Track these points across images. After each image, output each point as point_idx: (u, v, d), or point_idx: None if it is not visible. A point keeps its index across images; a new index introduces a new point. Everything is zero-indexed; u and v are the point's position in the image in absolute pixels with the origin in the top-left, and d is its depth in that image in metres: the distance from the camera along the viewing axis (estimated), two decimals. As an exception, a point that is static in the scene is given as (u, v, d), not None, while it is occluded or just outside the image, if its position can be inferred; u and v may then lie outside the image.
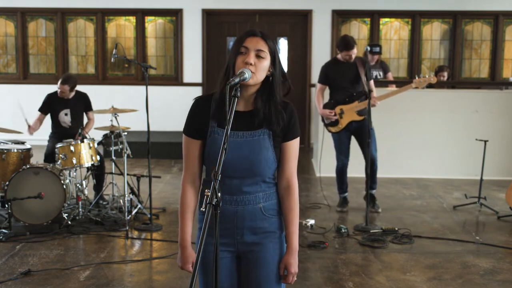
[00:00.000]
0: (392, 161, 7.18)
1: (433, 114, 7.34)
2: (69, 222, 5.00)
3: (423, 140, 7.33)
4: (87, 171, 5.54)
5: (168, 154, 8.52)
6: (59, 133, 5.75)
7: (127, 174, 5.38)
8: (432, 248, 4.64)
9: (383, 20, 9.67)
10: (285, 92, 2.09)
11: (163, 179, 6.88)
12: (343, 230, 4.92)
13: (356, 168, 6.18)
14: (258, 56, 1.99)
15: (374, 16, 9.59)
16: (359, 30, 9.61)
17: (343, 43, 5.45)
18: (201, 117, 2.06)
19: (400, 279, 3.96)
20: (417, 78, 5.52)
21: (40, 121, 5.83)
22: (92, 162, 5.34)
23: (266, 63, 2.01)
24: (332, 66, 5.60)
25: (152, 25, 9.76)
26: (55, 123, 5.82)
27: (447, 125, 7.35)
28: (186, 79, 9.72)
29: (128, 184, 5.30)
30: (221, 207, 2.01)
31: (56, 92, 5.79)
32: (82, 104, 5.88)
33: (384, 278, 3.98)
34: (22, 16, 9.70)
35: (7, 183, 4.86)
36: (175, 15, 9.66)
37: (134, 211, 5.30)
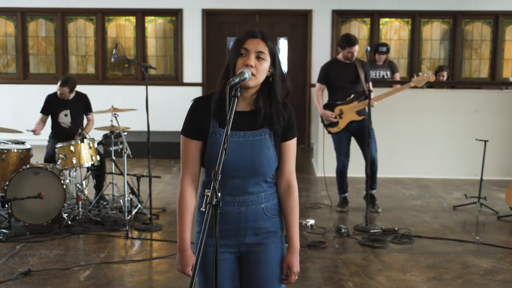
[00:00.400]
0: (392, 161, 7.18)
1: (433, 114, 7.34)
2: (69, 222, 5.00)
3: (423, 140, 7.33)
4: (87, 171, 5.54)
5: (168, 154, 8.52)
6: (58, 134, 5.75)
7: (127, 174, 5.38)
8: (432, 248, 4.64)
9: (383, 20, 9.67)
10: (285, 94, 2.10)
11: (163, 179, 6.88)
12: (343, 230, 4.92)
13: (356, 168, 6.18)
14: (259, 58, 1.99)
15: (374, 16, 9.59)
16: (359, 30, 9.61)
17: (346, 39, 5.46)
18: (200, 118, 2.05)
19: (400, 279, 3.96)
20: (415, 77, 5.53)
21: (43, 122, 5.84)
22: (92, 162, 5.34)
23: (266, 64, 2.01)
24: (332, 66, 5.61)
25: (152, 25, 9.76)
26: (55, 123, 5.82)
27: (447, 125, 7.35)
28: (186, 79, 9.72)
29: (128, 184, 5.30)
30: (223, 208, 2.03)
31: (56, 93, 5.80)
32: (82, 105, 5.88)
33: (384, 278, 3.98)
34: (22, 16, 9.70)
35: (7, 183, 4.86)
36: (175, 15, 9.66)
37: (134, 211, 5.30)
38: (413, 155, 7.34)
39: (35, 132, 5.69)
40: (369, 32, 9.64)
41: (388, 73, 7.54)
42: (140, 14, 9.65)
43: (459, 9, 9.55)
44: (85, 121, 5.96)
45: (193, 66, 9.67)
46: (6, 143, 5.43)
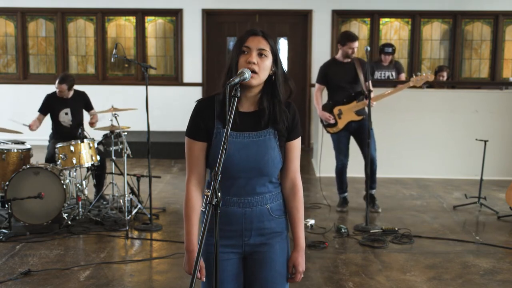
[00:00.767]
0: (392, 161, 7.18)
1: (433, 114, 7.34)
2: (69, 222, 5.00)
3: (423, 140, 7.33)
4: (87, 171, 5.55)
5: (168, 154, 8.52)
6: (59, 133, 5.75)
7: (127, 174, 5.38)
8: (432, 248, 4.64)
9: (383, 20, 9.66)
10: (288, 94, 2.10)
11: (163, 179, 6.88)
12: (343, 230, 4.92)
13: (356, 168, 6.18)
14: (260, 55, 2.00)
15: (374, 16, 9.59)
16: (359, 30, 9.61)
17: (346, 35, 5.48)
18: (204, 119, 2.05)
19: (400, 279, 3.96)
20: (414, 76, 5.52)
21: (39, 121, 5.83)
22: (92, 162, 5.34)
23: (268, 62, 2.01)
24: (331, 66, 5.60)
25: (152, 25, 9.76)
26: (56, 123, 5.82)
27: (447, 125, 7.35)
28: (186, 79, 9.72)
29: (128, 184, 5.30)
30: (228, 209, 2.04)
31: (55, 92, 5.80)
32: (82, 103, 5.89)
33: (384, 278, 3.98)
34: (22, 16, 9.70)
35: (7, 183, 4.86)
36: (175, 15, 9.66)
37: (134, 211, 5.30)
38: (413, 155, 7.34)
39: (31, 127, 5.68)
40: (369, 32, 9.64)
41: (394, 73, 7.54)
42: (140, 14, 9.65)
43: (459, 9, 9.55)
44: (87, 118, 5.95)
45: (193, 66, 9.67)
46: (6, 143, 5.43)
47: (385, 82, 7.26)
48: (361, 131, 5.49)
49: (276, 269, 2.10)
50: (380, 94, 5.63)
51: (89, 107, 5.94)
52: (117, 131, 5.43)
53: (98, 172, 5.63)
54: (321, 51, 9.44)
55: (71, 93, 5.81)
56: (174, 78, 9.79)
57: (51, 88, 6.07)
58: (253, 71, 1.97)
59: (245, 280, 2.14)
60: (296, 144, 2.11)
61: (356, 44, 5.43)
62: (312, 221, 5.12)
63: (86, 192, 5.45)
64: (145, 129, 5.20)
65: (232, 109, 1.84)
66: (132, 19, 9.72)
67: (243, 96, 2.03)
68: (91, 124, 5.84)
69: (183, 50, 9.66)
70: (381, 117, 6.78)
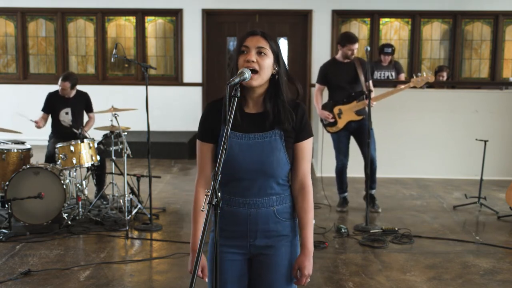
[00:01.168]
0: (392, 161, 7.18)
1: (433, 114, 7.34)
2: (69, 222, 5.00)
3: (423, 140, 7.33)
4: (87, 171, 5.54)
5: (168, 154, 8.52)
6: (59, 133, 5.75)
7: (127, 174, 5.38)
8: (432, 248, 4.64)
9: (383, 20, 9.67)
10: (295, 95, 2.09)
11: (163, 179, 6.88)
12: (343, 230, 4.92)
13: (356, 168, 6.18)
14: (260, 53, 1.99)
15: (374, 16, 9.59)
16: (359, 30, 9.61)
17: (346, 36, 5.48)
18: (212, 121, 2.06)
19: (400, 279, 3.96)
20: (414, 77, 5.52)
21: (44, 119, 5.84)
22: (92, 162, 5.34)
23: (268, 60, 2.01)
24: (331, 66, 5.60)
25: (152, 25, 9.76)
26: (56, 122, 5.83)
27: (447, 125, 7.35)
28: (186, 79, 9.72)
29: (128, 184, 5.30)
30: (234, 210, 2.04)
31: (57, 91, 5.80)
32: (83, 104, 5.89)
33: (384, 278, 3.98)
34: (22, 16, 9.70)
35: (7, 183, 4.86)
36: (175, 15, 9.66)
37: (134, 211, 5.30)
38: (413, 155, 7.34)
39: (37, 123, 5.68)
40: (369, 32, 9.64)
41: (393, 73, 7.54)
42: (140, 14, 9.65)
43: (459, 9, 9.55)
44: (86, 119, 5.96)
45: (193, 66, 9.67)
46: (6, 143, 5.43)
47: (385, 82, 7.26)
48: (361, 131, 5.49)
49: (281, 272, 2.08)
50: (380, 94, 5.63)
51: (89, 109, 5.94)
52: (117, 131, 5.43)
53: (98, 172, 5.63)
54: (321, 51, 9.44)
55: (74, 92, 5.81)
56: (174, 78, 9.79)
57: (51, 88, 6.08)
58: (254, 70, 1.96)
59: (250, 282, 2.13)
60: (305, 146, 2.07)
61: (355, 46, 5.43)
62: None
63: (86, 192, 5.45)
64: (145, 129, 5.20)
65: (232, 109, 1.85)
66: (132, 19, 9.72)
67: (248, 97, 2.05)
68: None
69: (183, 50, 9.66)
70: (381, 117, 6.78)
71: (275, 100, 2.04)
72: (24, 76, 9.83)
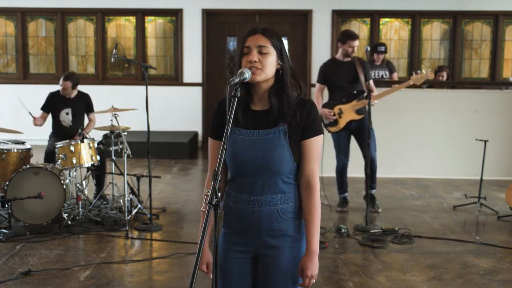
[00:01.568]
0: (392, 161, 7.18)
1: (433, 114, 7.34)
2: (69, 222, 5.00)
3: (423, 140, 7.32)
4: (87, 171, 5.54)
5: (168, 154, 8.52)
6: (59, 133, 5.76)
7: (127, 174, 5.38)
8: (432, 248, 4.64)
9: (383, 20, 9.66)
10: (298, 91, 2.07)
11: (163, 179, 6.88)
12: (343, 230, 4.92)
13: (356, 168, 6.18)
14: (261, 52, 1.99)
15: (374, 16, 9.59)
16: (359, 30, 9.60)
17: (347, 33, 5.49)
18: (220, 119, 2.08)
19: (400, 279, 3.96)
20: (414, 74, 5.52)
21: (43, 119, 5.84)
22: (92, 162, 5.34)
23: (271, 58, 2.00)
24: (331, 66, 5.60)
25: (152, 25, 9.76)
26: (56, 122, 5.83)
27: (447, 125, 7.35)
28: (186, 79, 9.72)
29: (128, 184, 5.30)
30: (238, 206, 2.04)
31: (58, 91, 5.80)
32: (84, 105, 5.89)
33: (384, 278, 3.98)
34: (22, 16, 9.70)
35: (7, 183, 4.86)
36: (175, 15, 9.66)
37: (134, 211, 5.30)
38: (413, 155, 7.34)
39: (35, 120, 5.67)
40: (369, 32, 9.64)
41: (387, 72, 7.55)
42: (140, 14, 9.65)
43: (459, 9, 9.55)
44: (86, 120, 5.96)
45: (193, 66, 9.67)
46: (6, 143, 5.43)
47: (380, 82, 7.24)
48: (361, 131, 5.49)
49: (285, 274, 2.06)
50: (381, 92, 5.63)
51: (89, 110, 5.94)
52: (117, 131, 5.43)
53: (98, 172, 5.63)
54: (321, 51, 9.44)
55: (75, 92, 5.81)
56: (174, 78, 9.79)
57: (51, 88, 6.08)
58: (256, 69, 1.97)
59: (256, 282, 2.11)
60: (312, 143, 2.03)
61: (356, 43, 5.43)
62: (312, 221, 5.11)
63: (86, 192, 5.45)
64: (145, 129, 5.20)
65: (232, 109, 1.85)
66: (132, 19, 9.72)
67: (254, 94, 2.05)
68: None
69: (183, 50, 9.66)
70: (381, 117, 6.77)
71: (280, 95, 2.03)
72: (24, 76, 9.83)
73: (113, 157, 5.46)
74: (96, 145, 5.45)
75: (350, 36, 5.43)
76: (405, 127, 7.33)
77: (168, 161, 8.35)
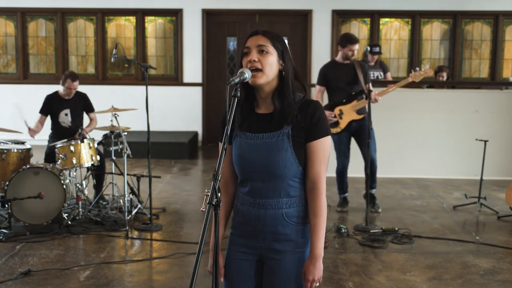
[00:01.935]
0: (392, 161, 7.18)
1: (433, 114, 7.34)
2: (69, 222, 5.00)
3: (423, 140, 7.32)
4: (87, 171, 5.54)
5: (168, 154, 8.52)
6: (59, 133, 5.75)
7: (127, 174, 5.38)
8: (432, 248, 4.64)
9: (383, 20, 9.67)
10: (303, 93, 2.05)
11: (163, 179, 6.88)
12: (343, 230, 4.93)
13: (356, 168, 6.18)
14: (261, 52, 1.98)
15: (374, 16, 9.59)
16: (359, 30, 9.61)
17: (347, 37, 5.49)
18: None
19: (400, 279, 3.96)
20: (413, 72, 5.52)
21: (41, 123, 5.84)
22: (92, 162, 5.34)
23: (271, 57, 1.99)
24: (330, 68, 5.61)
25: (152, 25, 9.76)
26: (55, 123, 5.83)
27: (447, 125, 7.35)
28: (186, 79, 9.72)
29: (128, 184, 5.30)
30: (245, 208, 2.05)
31: (55, 92, 5.81)
32: (82, 105, 5.89)
33: (384, 278, 3.98)
34: (22, 16, 9.70)
35: (7, 183, 4.86)
36: (175, 15, 9.67)
37: (134, 211, 5.30)
38: (413, 155, 7.34)
39: (30, 131, 5.65)
40: (369, 32, 9.64)
41: (381, 73, 7.56)
42: (140, 14, 9.65)
43: (459, 9, 9.55)
44: (87, 120, 5.96)
45: (193, 66, 9.67)
46: (6, 143, 5.43)
47: (376, 83, 7.23)
48: (361, 131, 5.49)
49: (288, 279, 2.04)
50: (382, 90, 5.65)
51: (89, 109, 5.94)
52: (117, 131, 5.43)
53: (98, 172, 5.63)
54: (321, 51, 9.45)
55: (73, 93, 5.81)
56: (174, 78, 9.79)
57: (51, 88, 6.08)
58: (256, 69, 1.96)
59: (259, 284, 2.11)
60: (317, 145, 1.99)
61: (356, 47, 5.44)
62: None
63: (86, 192, 5.45)
64: (145, 129, 5.20)
65: (232, 109, 1.85)
66: (132, 19, 9.72)
67: (258, 98, 2.05)
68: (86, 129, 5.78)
69: (183, 50, 9.66)
70: (381, 117, 6.78)
71: (283, 97, 2.01)
72: (24, 76, 9.83)
73: (113, 157, 5.46)
74: (96, 145, 5.45)
75: (350, 40, 5.43)
76: (405, 127, 7.33)
77: (168, 161, 8.35)
